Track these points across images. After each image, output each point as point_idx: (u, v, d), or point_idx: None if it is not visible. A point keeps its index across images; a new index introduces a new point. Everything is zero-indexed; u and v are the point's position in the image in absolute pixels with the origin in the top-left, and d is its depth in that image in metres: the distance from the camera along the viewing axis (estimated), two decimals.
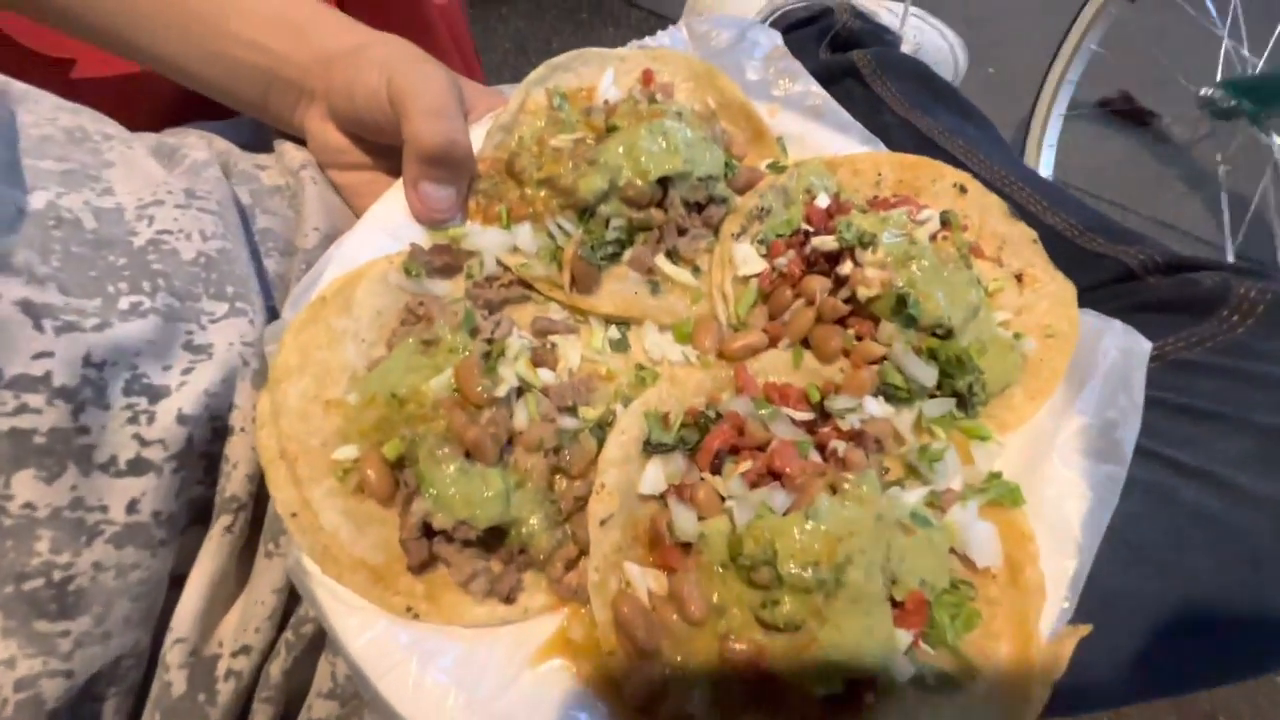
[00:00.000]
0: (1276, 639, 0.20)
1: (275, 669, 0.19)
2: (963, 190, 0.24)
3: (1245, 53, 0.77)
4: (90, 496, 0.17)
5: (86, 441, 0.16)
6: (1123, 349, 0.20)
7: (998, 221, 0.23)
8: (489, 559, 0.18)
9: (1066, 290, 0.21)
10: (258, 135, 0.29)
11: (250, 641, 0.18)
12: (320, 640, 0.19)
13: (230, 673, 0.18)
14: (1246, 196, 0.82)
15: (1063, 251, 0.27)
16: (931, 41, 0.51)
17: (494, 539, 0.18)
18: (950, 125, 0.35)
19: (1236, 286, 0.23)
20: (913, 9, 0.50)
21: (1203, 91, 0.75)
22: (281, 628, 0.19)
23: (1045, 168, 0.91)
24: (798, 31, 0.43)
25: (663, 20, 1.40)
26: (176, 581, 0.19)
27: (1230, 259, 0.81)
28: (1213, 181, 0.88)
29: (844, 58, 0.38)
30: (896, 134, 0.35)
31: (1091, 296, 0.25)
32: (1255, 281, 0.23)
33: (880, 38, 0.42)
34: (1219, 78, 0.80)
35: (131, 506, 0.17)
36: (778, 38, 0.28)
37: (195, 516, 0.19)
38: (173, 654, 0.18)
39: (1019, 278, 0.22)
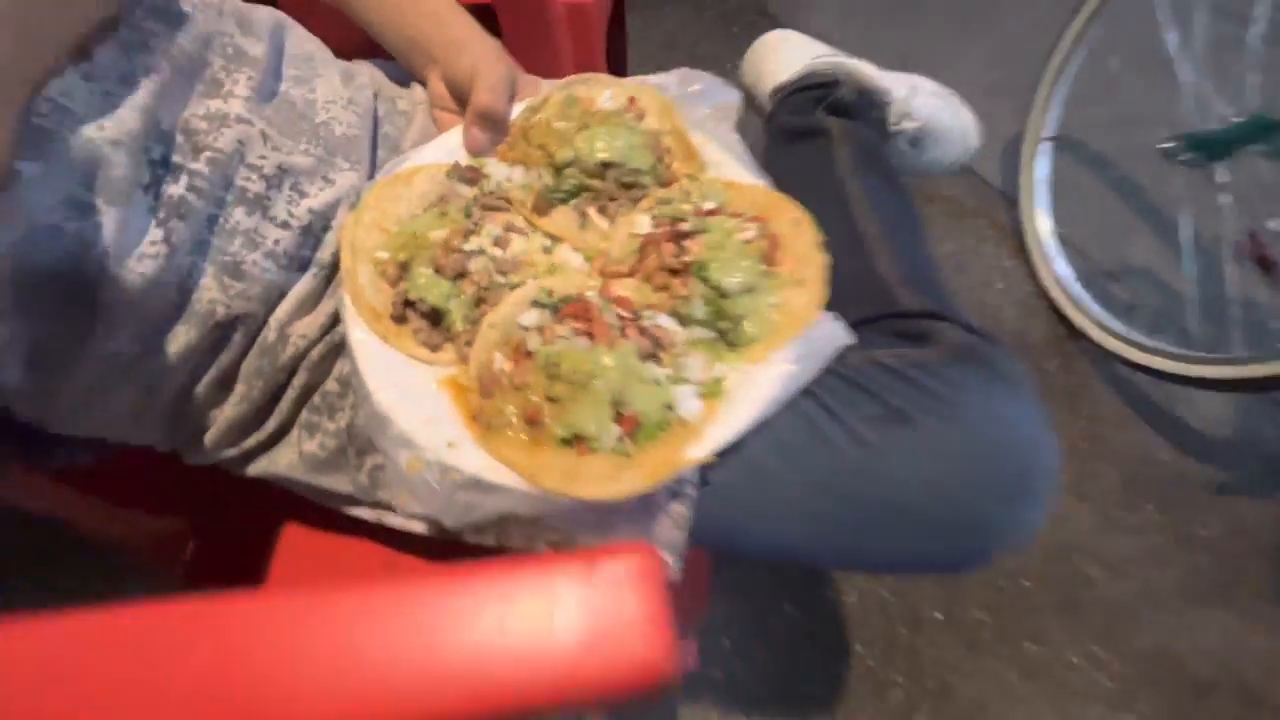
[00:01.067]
0: (859, 543, 0.31)
1: (314, 352, 0.35)
2: (797, 222, 0.35)
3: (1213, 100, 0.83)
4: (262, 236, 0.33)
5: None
6: (831, 334, 0.32)
7: (808, 246, 0.34)
8: (431, 327, 0.33)
9: (816, 297, 0.33)
10: (402, 75, 0.46)
11: (308, 332, 0.34)
12: (340, 347, 0.35)
13: (293, 343, 0.35)
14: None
15: (871, 285, 0.38)
16: (940, 122, 0.58)
17: (436, 318, 0.32)
18: (869, 186, 0.45)
19: (950, 333, 0.33)
20: (928, 84, 0.58)
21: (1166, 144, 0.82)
22: (325, 335, 0.35)
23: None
24: (808, 92, 0.54)
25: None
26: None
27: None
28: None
29: (825, 121, 0.50)
30: (829, 188, 0.46)
31: (868, 323, 0.36)
32: (965, 333, 0.33)
33: (867, 113, 0.53)
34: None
35: (276, 243, 0.34)
36: (735, 97, 0.41)
37: (302, 264, 0.35)
38: (272, 327, 0.34)
39: (799, 281, 0.34)
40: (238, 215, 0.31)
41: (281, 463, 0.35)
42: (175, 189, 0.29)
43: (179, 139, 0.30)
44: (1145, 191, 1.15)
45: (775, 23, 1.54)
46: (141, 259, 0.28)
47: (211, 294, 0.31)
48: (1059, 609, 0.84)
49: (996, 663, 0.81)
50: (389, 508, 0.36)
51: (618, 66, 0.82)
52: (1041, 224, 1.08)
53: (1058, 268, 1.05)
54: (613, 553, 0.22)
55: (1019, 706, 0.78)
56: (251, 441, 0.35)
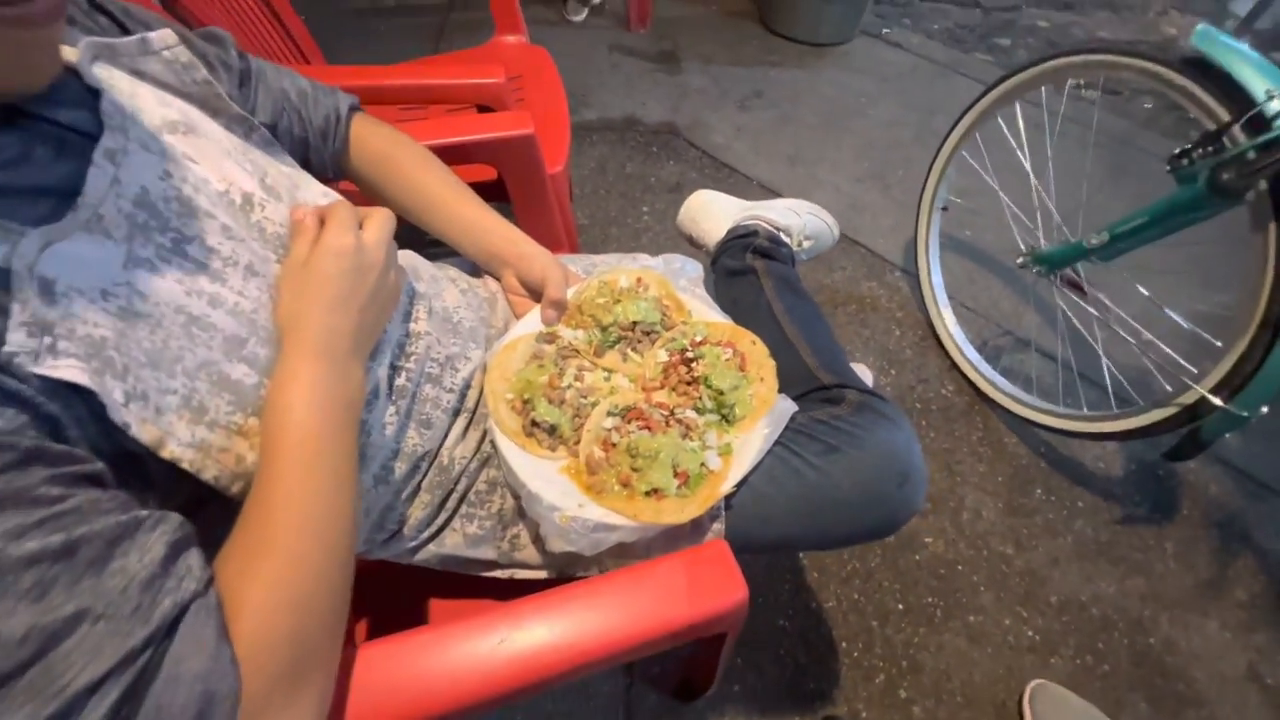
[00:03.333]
0: (824, 528, 0.52)
1: (471, 465, 0.53)
2: (754, 342, 0.58)
3: (1056, 217, 1.13)
4: (438, 400, 0.52)
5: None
6: (786, 408, 0.54)
7: (763, 356, 0.57)
8: (549, 436, 0.52)
9: (773, 387, 0.55)
10: (471, 268, 0.67)
11: (466, 454, 0.53)
12: (487, 460, 0.54)
13: (458, 462, 0.53)
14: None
15: (802, 372, 0.62)
16: (818, 228, 0.87)
17: (553, 430, 0.52)
18: (788, 304, 0.70)
19: (852, 395, 0.57)
20: (802, 205, 0.87)
21: (1018, 260, 1.12)
22: (476, 453, 0.54)
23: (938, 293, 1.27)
24: (737, 241, 0.80)
25: (711, 159, 1.85)
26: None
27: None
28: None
29: (753, 262, 0.75)
30: (763, 309, 0.70)
31: (804, 396, 0.59)
32: (860, 394, 0.57)
33: (778, 251, 0.79)
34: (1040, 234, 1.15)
35: (446, 402, 0.53)
36: (699, 268, 0.65)
37: (457, 411, 0.54)
38: (444, 454, 0.53)
39: (761, 379, 0.56)
40: (426, 389, 0.51)
41: (448, 544, 0.53)
42: (400, 381, 0.49)
43: (401, 352, 0.50)
44: (1007, 273, 1.49)
45: (685, 140, 1.86)
46: (384, 427, 0.47)
47: (414, 440, 0.50)
48: (988, 583, 1.07)
49: (950, 636, 1.01)
50: (520, 565, 0.54)
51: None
52: (933, 280, 1.37)
53: (949, 321, 1.34)
54: (701, 548, 0.43)
55: (973, 668, 0.99)
56: (427, 534, 0.53)
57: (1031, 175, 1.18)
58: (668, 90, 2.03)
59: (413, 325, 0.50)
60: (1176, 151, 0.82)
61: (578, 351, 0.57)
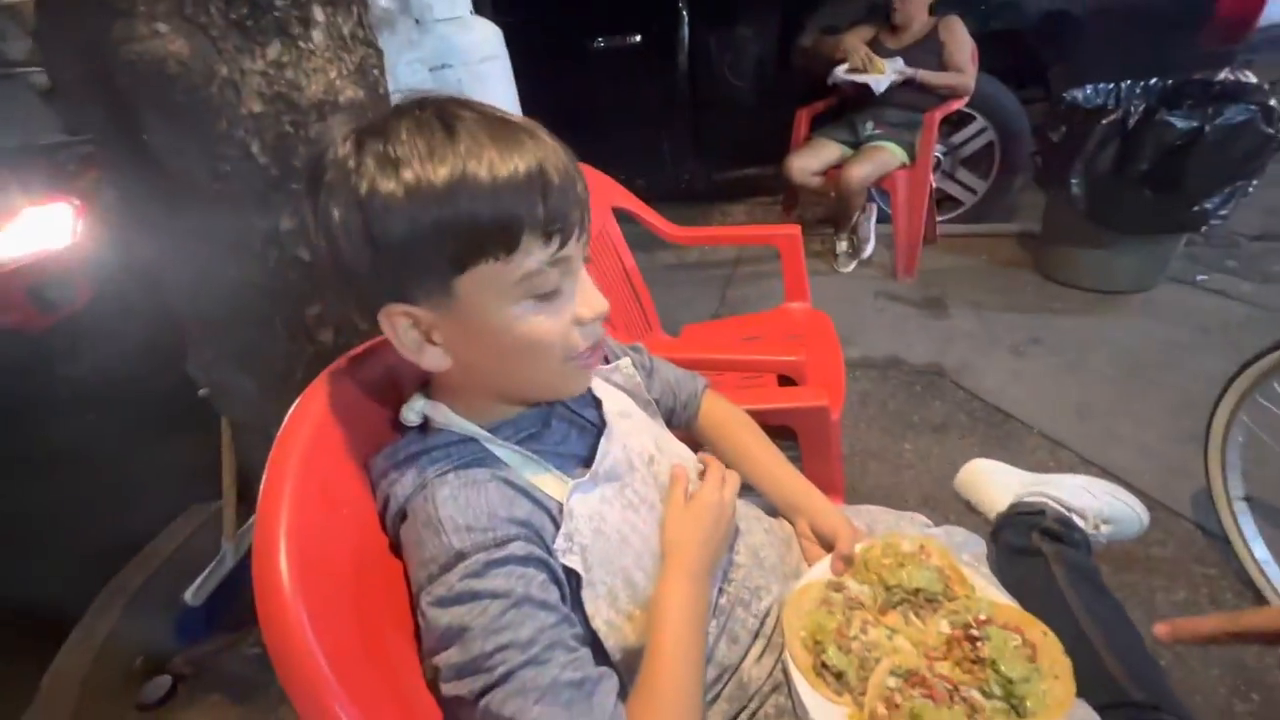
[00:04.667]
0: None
1: (765, 687, 0.63)
2: (1045, 634, 0.60)
3: None
4: (743, 621, 0.66)
5: None
6: (1087, 716, 0.53)
7: (1056, 651, 0.58)
8: (835, 680, 0.60)
9: (1070, 690, 0.55)
10: (769, 507, 0.83)
11: (761, 675, 0.63)
12: (778, 686, 0.63)
13: (754, 682, 0.64)
14: None
15: (1104, 680, 0.59)
16: (1117, 511, 0.82)
17: (840, 675, 0.60)
18: (1086, 599, 0.68)
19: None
20: (1098, 485, 0.83)
21: None
22: (769, 677, 0.64)
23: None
24: (1022, 518, 0.82)
25: (982, 402, 1.84)
26: None
27: None
28: None
29: (1040, 544, 0.76)
30: (1055, 598, 0.70)
31: (1107, 709, 0.56)
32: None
33: (1069, 536, 0.78)
34: None
35: (746, 624, 0.66)
36: (982, 545, 0.70)
37: (755, 635, 0.66)
38: (743, 671, 0.64)
39: (1056, 676, 0.57)
40: (739, 611, 0.65)
41: None
42: (722, 601, 0.64)
43: (724, 577, 0.62)
44: None
45: (951, 382, 1.90)
46: (709, 644, 0.61)
47: (723, 651, 0.62)
48: None
49: None
50: None
51: None
52: (1271, 574, 1.12)
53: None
54: None
55: None
56: None
57: None
58: (933, 334, 2.13)
59: (735, 557, 0.66)
60: None
61: (863, 605, 0.66)
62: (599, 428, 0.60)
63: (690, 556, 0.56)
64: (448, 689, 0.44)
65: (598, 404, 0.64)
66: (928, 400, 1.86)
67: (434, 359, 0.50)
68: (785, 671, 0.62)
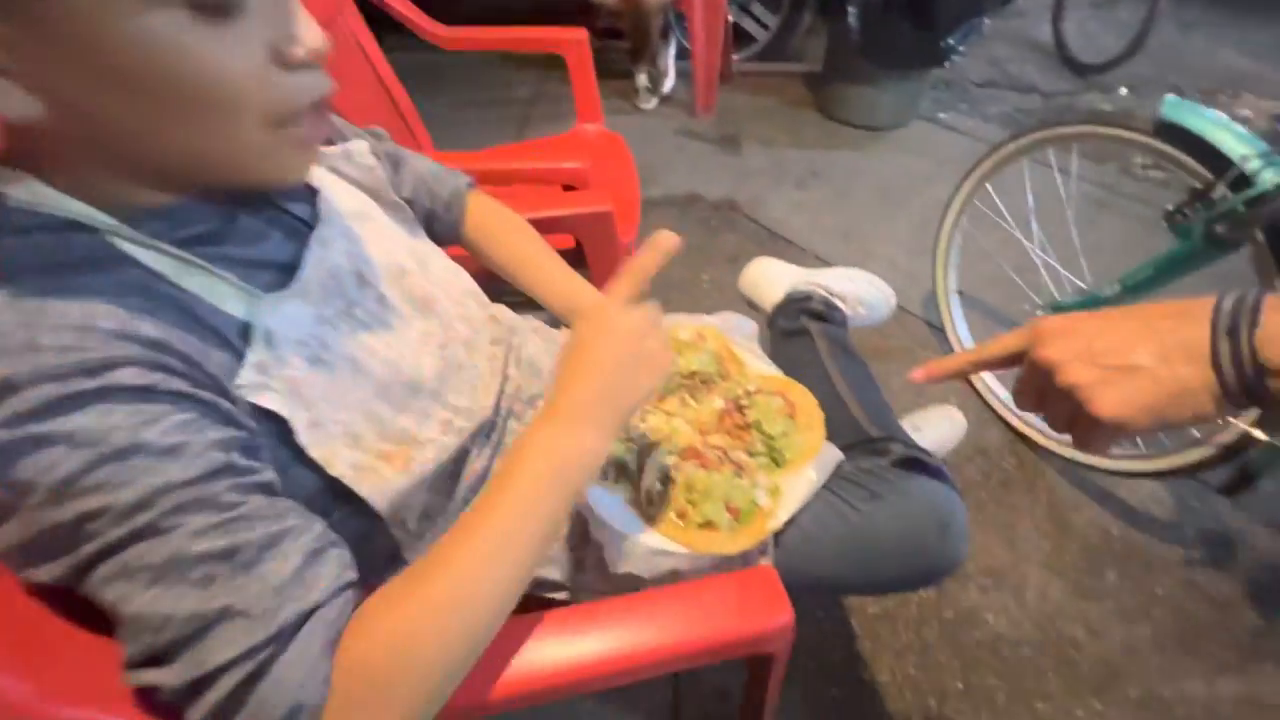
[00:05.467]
0: (866, 572, 0.54)
1: None
2: (804, 394, 0.64)
3: (1064, 273, 1.17)
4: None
5: None
6: (833, 455, 0.58)
7: (812, 407, 0.62)
8: (616, 470, 0.58)
9: (821, 435, 0.60)
10: (551, 319, 0.76)
11: None
12: None
13: None
14: None
15: (851, 425, 0.66)
16: (872, 297, 0.93)
17: (619, 465, 0.58)
18: (841, 364, 0.75)
19: (896, 447, 0.60)
20: (858, 274, 0.93)
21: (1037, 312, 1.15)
22: None
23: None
24: (793, 304, 0.86)
25: (769, 232, 1.95)
26: None
27: None
28: None
29: (807, 324, 0.81)
30: (817, 367, 0.76)
31: (852, 447, 0.63)
32: (905, 448, 0.60)
33: (832, 315, 0.84)
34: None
35: None
36: (754, 326, 0.71)
37: None
38: None
39: (810, 427, 0.61)
40: (512, 424, 0.58)
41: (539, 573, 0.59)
42: (493, 417, 0.57)
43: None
44: None
45: (745, 216, 1.98)
46: (480, 457, 0.54)
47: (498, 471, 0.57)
48: (1057, 668, 1.02)
49: None
50: (583, 588, 0.59)
51: None
52: (964, 345, 1.40)
53: (994, 386, 1.35)
54: (750, 571, 0.47)
55: None
56: None
57: (1039, 236, 1.25)
58: (729, 170, 2.18)
59: (507, 370, 0.59)
60: (1171, 208, 0.87)
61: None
62: (314, 227, 0.45)
63: (578, 392, 0.41)
64: (28, 575, 0.31)
65: (313, 196, 0.48)
66: (723, 233, 1.92)
67: (9, 101, 0.30)
68: None
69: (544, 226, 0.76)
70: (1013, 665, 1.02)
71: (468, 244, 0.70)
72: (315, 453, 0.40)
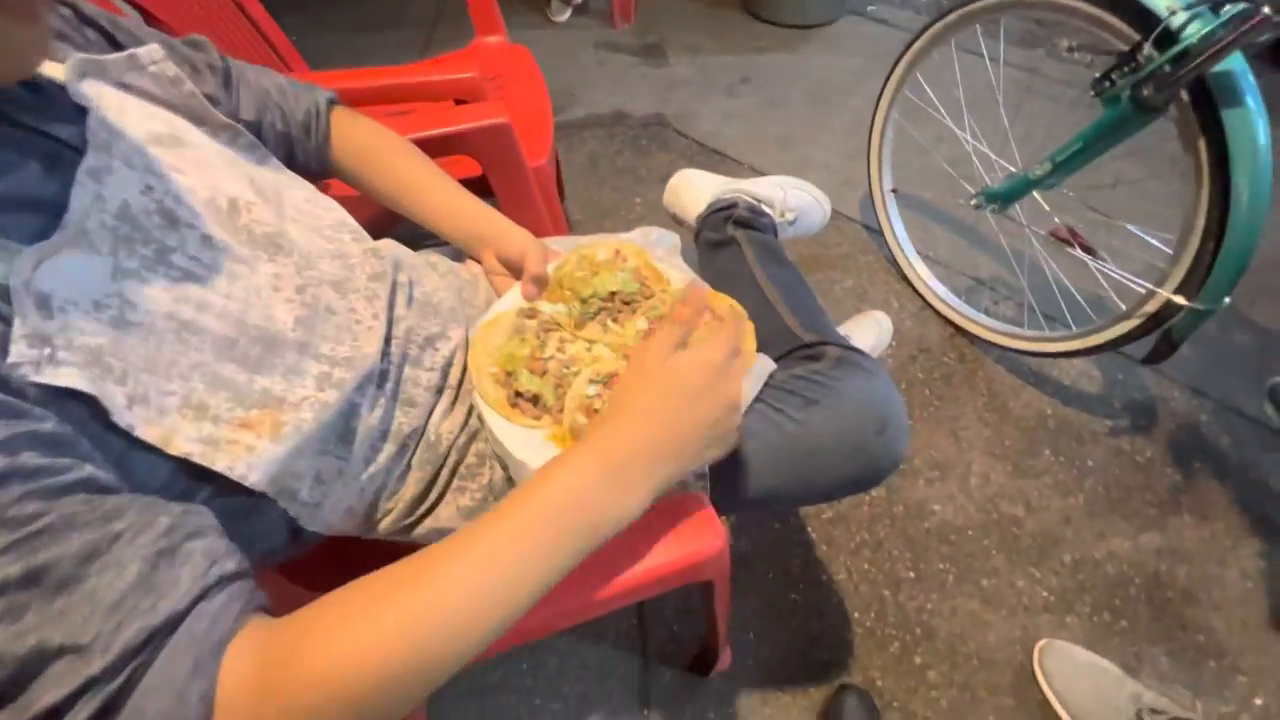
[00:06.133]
0: (807, 480, 0.52)
1: (459, 440, 0.54)
2: (731, 306, 0.59)
3: (996, 160, 1.17)
4: (420, 380, 0.54)
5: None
6: (765, 366, 0.55)
7: (738, 318, 0.58)
8: (533, 406, 0.54)
9: (751, 348, 0.56)
10: (455, 254, 0.69)
11: (453, 429, 0.54)
12: (474, 434, 0.55)
13: (445, 438, 0.54)
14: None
15: (783, 333, 0.62)
16: (804, 204, 0.88)
17: (536, 400, 0.54)
18: (770, 271, 0.71)
19: (831, 350, 0.57)
20: (788, 181, 0.88)
21: (971, 202, 1.14)
22: (464, 428, 0.55)
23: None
24: (718, 214, 0.81)
25: (701, 146, 1.87)
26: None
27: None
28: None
29: (734, 233, 0.76)
30: (745, 276, 0.71)
31: (786, 355, 0.60)
32: (839, 349, 0.57)
33: (759, 222, 0.79)
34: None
35: (428, 382, 0.54)
36: (676, 239, 0.66)
37: (440, 389, 0.55)
38: (430, 431, 0.54)
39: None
40: (408, 371, 0.52)
41: (443, 518, 0.54)
42: (383, 364, 0.50)
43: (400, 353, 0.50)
44: (971, 221, 1.50)
45: (675, 131, 1.87)
46: (373, 410, 0.48)
47: (400, 420, 0.51)
48: (1000, 546, 1.06)
49: (963, 600, 1.01)
50: None
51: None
52: (909, 252, 1.39)
53: (932, 284, 1.35)
54: (684, 498, 0.44)
55: (988, 630, 0.98)
56: (422, 509, 0.54)
57: (971, 124, 1.22)
58: (655, 83, 2.04)
59: (394, 312, 0.52)
60: (1098, 75, 0.85)
61: (559, 325, 0.58)
62: (84, 151, 0.35)
63: (621, 438, 0.39)
64: None
65: (82, 116, 0.38)
66: (654, 152, 1.82)
67: None
68: (479, 414, 0.53)
69: (434, 149, 0.67)
70: (960, 548, 1.06)
71: (339, 171, 0.61)
72: (145, 432, 0.33)
